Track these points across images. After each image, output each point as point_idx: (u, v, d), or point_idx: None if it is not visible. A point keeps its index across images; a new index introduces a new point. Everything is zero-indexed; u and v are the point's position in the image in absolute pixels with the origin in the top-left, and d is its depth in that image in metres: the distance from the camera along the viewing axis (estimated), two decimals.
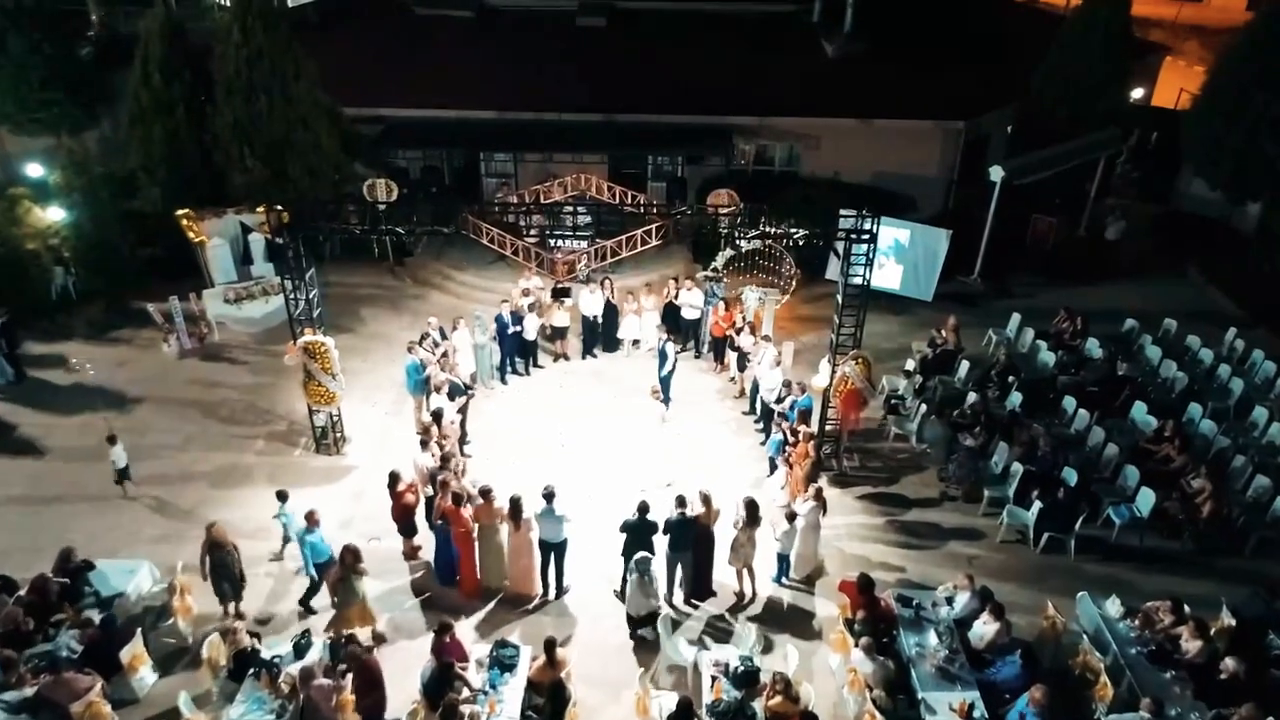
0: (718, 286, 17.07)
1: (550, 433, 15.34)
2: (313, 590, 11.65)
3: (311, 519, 11.21)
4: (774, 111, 21.25)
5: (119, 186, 19.57)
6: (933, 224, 19.81)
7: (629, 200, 17.55)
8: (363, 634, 10.61)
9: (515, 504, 11.56)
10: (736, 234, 13.42)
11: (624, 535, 11.55)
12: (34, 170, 20.27)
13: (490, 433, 15.38)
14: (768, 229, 13.07)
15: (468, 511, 11.69)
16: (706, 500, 11.64)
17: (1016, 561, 12.96)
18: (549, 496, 11.61)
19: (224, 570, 11.24)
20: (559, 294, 16.90)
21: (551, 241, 18.77)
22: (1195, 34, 36.96)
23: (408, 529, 12.50)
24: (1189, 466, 13.67)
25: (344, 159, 19.95)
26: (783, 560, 12.29)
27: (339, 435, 14.92)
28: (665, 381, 15.49)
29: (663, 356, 15.47)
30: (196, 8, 27.69)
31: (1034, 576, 12.65)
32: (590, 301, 16.93)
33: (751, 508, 11.61)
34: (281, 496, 11.98)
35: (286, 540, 12.24)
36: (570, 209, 14.74)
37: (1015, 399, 15.32)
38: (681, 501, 11.40)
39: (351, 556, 10.69)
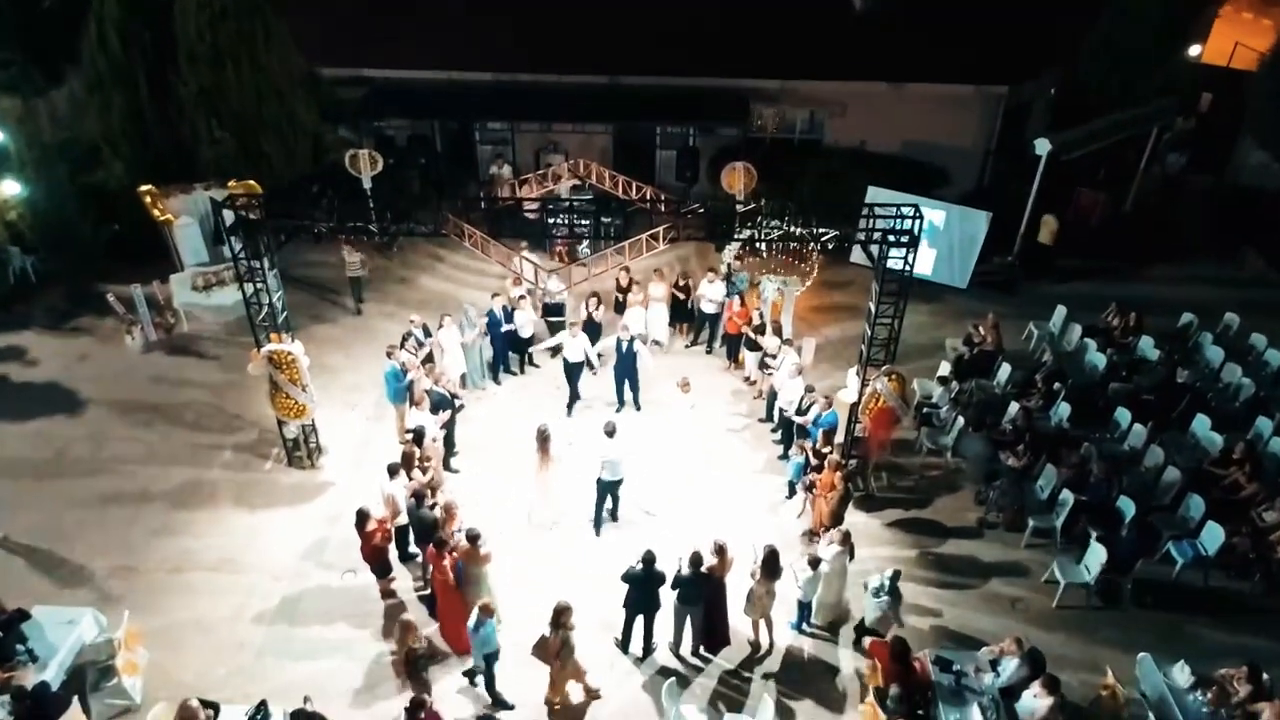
0: (739, 278, 15.53)
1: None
2: (489, 677, 10.25)
3: (486, 610, 9.71)
4: (796, 74, 19.32)
5: (79, 159, 17.94)
6: (967, 199, 18.12)
7: (634, 192, 15.75)
8: (576, 690, 9.57)
9: (542, 434, 11.77)
10: (756, 237, 11.75)
11: (626, 585, 10.22)
12: None
13: (481, 442, 13.95)
14: (792, 228, 11.40)
15: (449, 558, 10.34)
16: (721, 551, 10.21)
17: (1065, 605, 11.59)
18: (611, 433, 11.74)
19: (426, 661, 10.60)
20: (550, 311, 15.50)
21: (550, 220, 17.03)
22: None
23: (382, 569, 11.17)
24: (1261, 495, 12.21)
25: (325, 128, 18.24)
26: (804, 607, 10.93)
27: (313, 446, 13.54)
28: (625, 377, 14.23)
29: (623, 352, 13.95)
30: None
31: (1085, 624, 11.27)
32: (573, 347, 14.11)
33: (771, 559, 10.17)
34: None
35: None
36: (568, 204, 13.05)
37: (1063, 410, 13.77)
38: (696, 560, 9.97)
39: (567, 615, 9.54)
